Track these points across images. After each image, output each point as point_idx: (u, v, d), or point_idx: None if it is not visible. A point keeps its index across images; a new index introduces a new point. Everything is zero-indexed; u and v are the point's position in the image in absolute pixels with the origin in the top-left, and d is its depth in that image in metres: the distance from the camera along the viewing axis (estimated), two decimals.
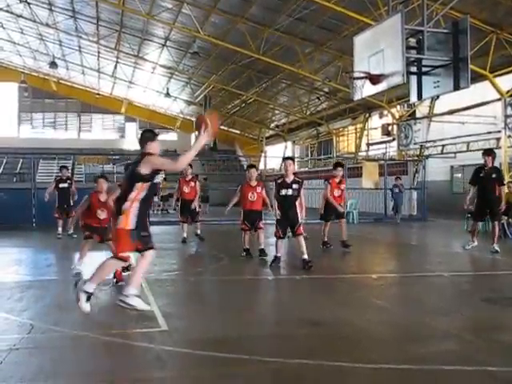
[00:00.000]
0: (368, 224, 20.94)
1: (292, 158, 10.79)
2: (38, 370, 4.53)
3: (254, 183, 11.23)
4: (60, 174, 15.80)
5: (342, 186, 12.58)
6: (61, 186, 15.30)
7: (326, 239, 12.40)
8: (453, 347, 5.19)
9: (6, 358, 4.69)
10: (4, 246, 10.72)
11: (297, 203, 9.76)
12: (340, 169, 12.66)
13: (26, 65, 43.11)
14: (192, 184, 13.67)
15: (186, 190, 13.66)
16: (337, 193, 12.36)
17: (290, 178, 9.83)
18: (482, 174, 11.98)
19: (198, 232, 13.94)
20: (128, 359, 4.84)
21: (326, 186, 12.48)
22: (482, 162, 12.13)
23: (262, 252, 10.76)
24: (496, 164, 18.59)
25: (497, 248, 11.77)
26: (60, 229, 14.83)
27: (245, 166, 34.77)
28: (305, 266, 9.30)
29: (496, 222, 12.12)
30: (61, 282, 8.30)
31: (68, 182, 15.55)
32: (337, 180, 12.48)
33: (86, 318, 6.07)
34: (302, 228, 9.76)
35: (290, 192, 9.75)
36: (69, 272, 9.21)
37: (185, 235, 13.65)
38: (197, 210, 13.96)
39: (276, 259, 9.91)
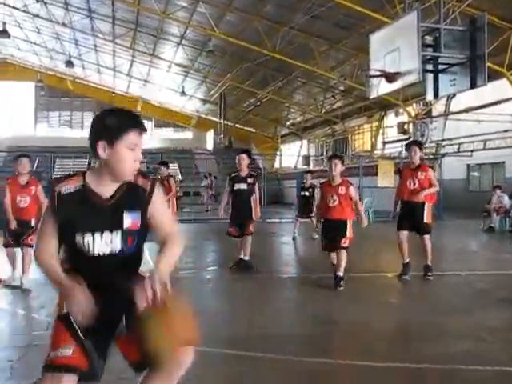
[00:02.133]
0: (384, 223, 20.83)
1: (247, 151, 9.97)
2: None
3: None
4: None
5: None
6: None
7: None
8: (468, 347, 5.16)
9: (25, 354, 4.74)
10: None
11: (251, 199, 9.28)
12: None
13: (43, 64, 43.41)
14: (166, 184, 13.10)
15: None
16: None
17: (244, 172, 9.37)
18: None
19: None
20: None
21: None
22: (498, 160, 12.06)
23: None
24: None
25: None
26: None
27: (260, 165, 34.84)
28: (242, 267, 9.13)
29: None
30: None
31: None
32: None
33: None
34: (251, 227, 9.24)
35: (243, 186, 9.29)
36: None
37: None
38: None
39: (240, 262, 9.28)
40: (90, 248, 2.70)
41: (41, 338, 5.30)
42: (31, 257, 7.67)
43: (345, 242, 7.72)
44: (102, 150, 2.66)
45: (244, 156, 9.47)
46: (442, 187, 22.37)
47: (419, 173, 8.52)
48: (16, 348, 4.94)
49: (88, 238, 2.68)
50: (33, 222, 8.03)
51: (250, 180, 9.35)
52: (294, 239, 14.31)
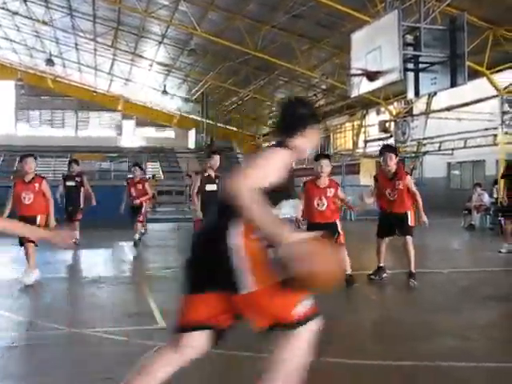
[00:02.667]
0: (365, 221, 20.94)
1: (218, 152, 9.92)
2: (37, 368, 4.54)
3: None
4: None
5: None
6: (68, 184, 13.02)
7: None
8: (454, 345, 5.21)
9: (4, 356, 4.70)
10: (3, 244, 10.70)
11: None
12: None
13: (23, 62, 42.97)
14: (140, 186, 13.03)
15: (133, 192, 12.92)
16: None
17: (214, 173, 9.28)
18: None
19: (136, 236, 12.51)
20: (126, 357, 4.83)
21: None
22: (478, 158, 12.21)
23: None
24: (492, 161, 18.70)
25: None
26: None
27: (242, 163, 34.85)
28: None
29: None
30: (60, 280, 8.29)
31: (77, 179, 13.14)
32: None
33: (84, 315, 6.08)
34: None
35: (214, 187, 9.09)
36: (69, 270, 9.24)
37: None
38: (142, 211, 13.01)
39: None
40: None
41: (20, 339, 5.28)
42: (34, 254, 8.13)
43: (340, 240, 7.69)
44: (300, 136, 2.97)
45: (218, 158, 9.41)
46: (423, 185, 22.68)
47: (397, 182, 8.10)
48: None
49: None
50: (38, 219, 8.09)
51: (217, 181, 9.20)
52: None
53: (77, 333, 5.45)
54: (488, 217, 16.95)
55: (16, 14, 29.87)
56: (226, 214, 2.75)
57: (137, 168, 13.01)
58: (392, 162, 8.11)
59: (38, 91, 46.15)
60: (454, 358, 4.68)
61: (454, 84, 11.61)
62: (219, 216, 2.91)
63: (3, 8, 29.42)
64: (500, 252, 11.43)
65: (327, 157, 8.09)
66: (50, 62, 35.96)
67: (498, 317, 6.26)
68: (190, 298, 3.02)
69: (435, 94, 21.77)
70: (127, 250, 12.04)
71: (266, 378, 2.99)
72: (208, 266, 2.86)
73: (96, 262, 10.30)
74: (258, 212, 2.52)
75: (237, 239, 2.73)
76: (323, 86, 30.71)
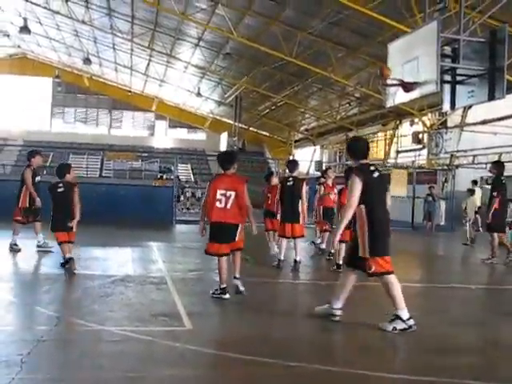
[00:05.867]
0: (394, 232, 20.77)
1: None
2: (64, 363, 4.59)
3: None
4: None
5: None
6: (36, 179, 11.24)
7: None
8: (476, 361, 5.14)
9: (33, 350, 4.75)
10: (32, 238, 10.85)
11: None
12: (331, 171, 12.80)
13: (61, 60, 43.68)
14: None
15: None
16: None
17: None
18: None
19: None
20: (152, 356, 4.86)
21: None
22: None
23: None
24: None
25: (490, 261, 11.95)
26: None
27: (273, 169, 34.84)
28: None
29: (494, 234, 12.11)
30: (89, 276, 8.37)
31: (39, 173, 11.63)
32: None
33: (112, 313, 6.13)
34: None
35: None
36: (98, 267, 9.33)
37: None
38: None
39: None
40: None
41: (49, 333, 5.34)
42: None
43: None
44: None
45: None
46: (454, 199, 22.40)
47: None
48: (26, 342, 4.96)
49: None
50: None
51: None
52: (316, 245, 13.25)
53: (104, 330, 5.50)
54: None
55: (57, 13, 30.34)
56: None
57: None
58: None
59: (74, 89, 46.89)
60: (473, 375, 4.61)
61: (491, 97, 11.43)
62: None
63: (45, 7, 29.92)
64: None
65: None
66: (87, 60, 36.52)
67: None
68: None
69: (470, 106, 21.51)
70: (156, 250, 12.11)
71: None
72: None
73: (125, 260, 10.37)
74: None
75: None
76: (357, 95, 30.56)
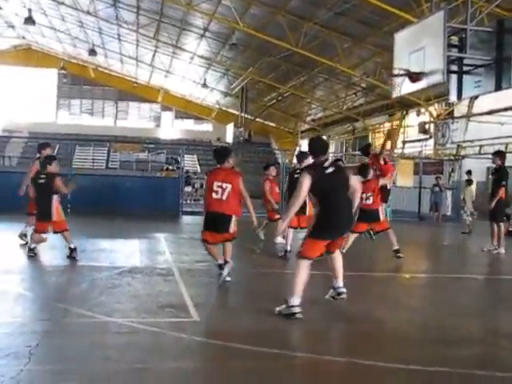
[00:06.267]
0: (401, 222, 20.76)
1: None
2: (72, 354, 4.62)
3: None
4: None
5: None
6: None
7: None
8: (485, 352, 5.14)
9: (41, 341, 4.79)
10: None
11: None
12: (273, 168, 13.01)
13: (66, 51, 43.65)
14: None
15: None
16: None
17: None
18: (490, 176, 12.32)
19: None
20: (159, 348, 4.89)
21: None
22: None
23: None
24: None
25: (497, 251, 11.95)
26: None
27: (279, 159, 34.83)
28: None
29: (500, 224, 12.19)
30: (97, 268, 8.41)
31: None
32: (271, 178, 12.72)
33: (119, 305, 6.16)
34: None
35: None
36: (105, 259, 9.36)
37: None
38: None
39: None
40: None
41: (57, 325, 5.37)
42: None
43: None
44: None
45: None
46: (461, 189, 22.35)
47: None
48: (34, 334, 5.00)
49: None
50: None
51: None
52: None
53: (111, 322, 5.53)
54: None
55: (62, 4, 30.32)
56: None
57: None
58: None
59: (80, 80, 46.87)
60: (482, 366, 4.62)
61: (498, 87, 11.37)
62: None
63: None
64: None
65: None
66: (92, 51, 36.48)
67: None
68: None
69: (477, 97, 21.41)
70: (163, 241, 12.15)
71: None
72: None
73: (132, 252, 10.41)
74: None
75: None
76: (363, 85, 30.45)
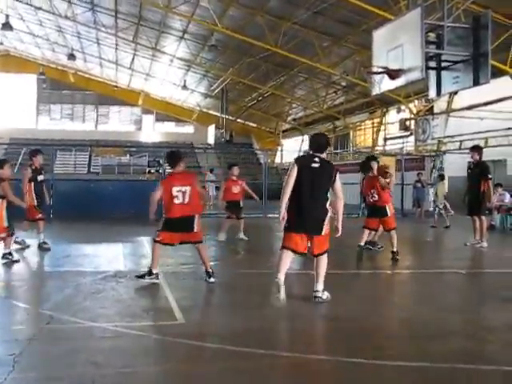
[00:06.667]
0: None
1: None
2: (57, 361, 4.58)
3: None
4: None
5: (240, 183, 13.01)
6: (39, 178, 11.00)
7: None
8: (469, 346, 5.18)
9: (26, 348, 4.75)
10: (21, 237, 10.81)
11: None
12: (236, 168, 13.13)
13: (45, 57, 43.38)
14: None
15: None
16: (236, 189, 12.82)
17: None
18: (469, 170, 12.34)
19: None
20: (144, 351, 4.87)
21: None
22: (499, 157, 12.18)
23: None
24: None
25: (479, 245, 12.04)
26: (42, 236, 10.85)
27: (261, 160, 34.87)
28: None
29: (482, 217, 12.24)
30: (80, 273, 8.36)
31: (43, 173, 11.39)
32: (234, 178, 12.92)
33: (104, 310, 6.13)
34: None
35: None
36: (88, 264, 9.31)
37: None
38: None
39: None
40: None
41: (41, 331, 5.33)
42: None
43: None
44: None
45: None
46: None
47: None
48: (18, 342, 4.96)
49: None
50: None
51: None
52: None
53: (96, 327, 5.50)
54: (509, 217, 16.77)
55: (39, 9, 30.13)
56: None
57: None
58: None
59: (60, 85, 46.59)
60: (469, 361, 4.65)
61: (476, 83, 11.49)
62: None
63: (27, 3, 29.68)
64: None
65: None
66: (71, 56, 36.31)
67: None
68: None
69: (456, 92, 21.60)
70: (147, 245, 12.10)
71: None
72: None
73: (116, 256, 10.36)
74: None
75: None
76: (343, 83, 30.61)
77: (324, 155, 6.76)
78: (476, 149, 12.73)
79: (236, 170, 13.11)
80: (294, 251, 6.58)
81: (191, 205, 7.51)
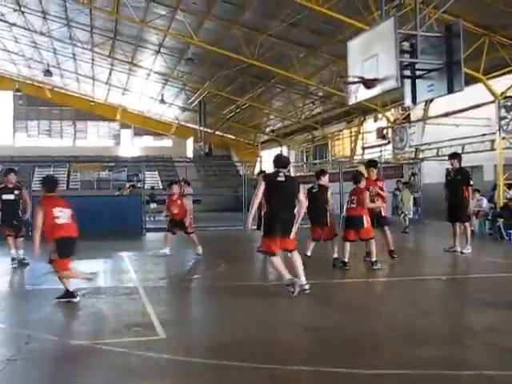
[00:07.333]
0: None
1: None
2: (37, 382, 4.52)
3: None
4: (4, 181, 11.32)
5: None
6: (4, 197, 11.09)
7: None
8: (452, 351, 5.20)
9: (4, 370, 4.68)
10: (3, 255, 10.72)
11: None
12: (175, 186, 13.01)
13: (21, 73, 43.09)
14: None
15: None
16: None
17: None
18: (449, 177, 12.44)
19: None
20: (127, 368, 4.83)
21: None
22: (476, 163, 12.30)
23: None
24: (490, 166, 18.90)
25: (465, 251, 12.12)
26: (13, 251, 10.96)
27: (240, 172, 34.90)
28: None
29: (466, 224, 12.42)
30: (59, 291, 8.27)
31: (15, 192, 11.20)
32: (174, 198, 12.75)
33: (84, 327, 6.07)
34: None
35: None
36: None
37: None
38: None
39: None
40: None
41: (20, 352, 5.25)
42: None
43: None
44: None
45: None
46: (421, 191, 22.73)
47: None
48: None
49: None
50: None
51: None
52: None
53: (77, 345, 5.44)
54: (487, 222, 16.94)
55: (14, 25, 30.00)
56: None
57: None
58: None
59: (37, 102, 46.30)
60: (452, 366, 4.67)
61: (450, 90, 11.61)
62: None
63: (1, 20, 29.53)
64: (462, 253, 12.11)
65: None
66: (47, 72, 36.09)
67: (496, 323, 6.25)
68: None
69: (432, 100, 21.83)
70: (127, 260, 12.03)
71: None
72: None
73: (95, 272, 10.26)
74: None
75: None
76: (320, 94, 30.78)
77: (285, 170, 7.91)
78: (455, 156, 12.87)
79: (176, 189, 12.80)
80: (269, 253, 7.70)
81: (74, 226, 7.79)
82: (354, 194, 10.26)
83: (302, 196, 7.84)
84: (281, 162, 7.94)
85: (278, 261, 7.68)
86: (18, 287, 9.15)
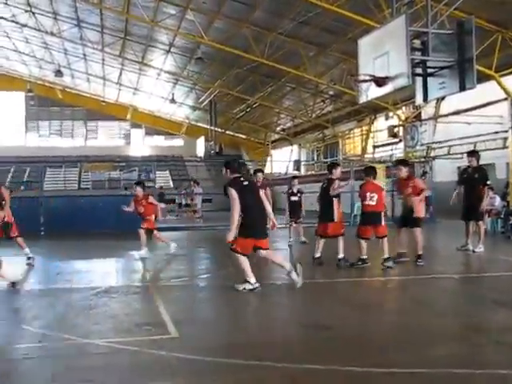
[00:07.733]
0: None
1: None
2: (51, 379, 4.54)
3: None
4: None
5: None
6: None
7: None
8: (464, 350, 5.17)
9: (18, 367, 4.70)
10: (13, 254, 10.75)
11: None
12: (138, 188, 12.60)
13: (32, 74, 43.28)
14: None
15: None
16: None
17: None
18: (465, 175, 12.26)
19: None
20: (139, 367, 4.83)
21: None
22: (488, 161, 12.21)
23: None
24: (503, 164, 18.72)
25: (477, 250, 11.99)
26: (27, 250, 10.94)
27: (251, 171, 34.88)
28: None
29: (480, 222, 12.32)
30: (72, 290, 8.30)
31: None
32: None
33: (97, 326, 6.08)
34: None
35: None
36: (80, 280, 9.25)
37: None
38: None
39: None
40: None
41: (34, 350, 5.27)
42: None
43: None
44: None
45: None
46: (433, 189, 22.61)
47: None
48: (10, 360, 4.91)
49: None
50: None
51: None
52: (290, 246, 14.14)
53: (89, 343, 5.45)
54: (499, 221, 16.83)
55: (25, 26, 30.13)
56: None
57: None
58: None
59: (48, 102, 46.48)
60: (465, 365, 4.64)
61: (462, 88, 11.54)
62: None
63: (13, 21, 29.68)
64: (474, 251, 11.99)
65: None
66: (58, 72, 36.24)
67: (509, 322, 6.20)
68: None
69: (444, 98, 21.71)
70: (138, 259, 12.05)
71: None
72: None
73: (107, 272, 10.31)
74: None
75: None
76: (331, 92, 30.71)
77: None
78: (473, 154, 12.69)
79: (140, 191, 12.48)
80: (244, 255, 7.86)
81: None
82: (371, 191, 10.07)
83: (266, 197, 8.51)
84: (238, 166, 8.36)
85: (246, 260, 7.90)
86: (31, 286, 9.17)
